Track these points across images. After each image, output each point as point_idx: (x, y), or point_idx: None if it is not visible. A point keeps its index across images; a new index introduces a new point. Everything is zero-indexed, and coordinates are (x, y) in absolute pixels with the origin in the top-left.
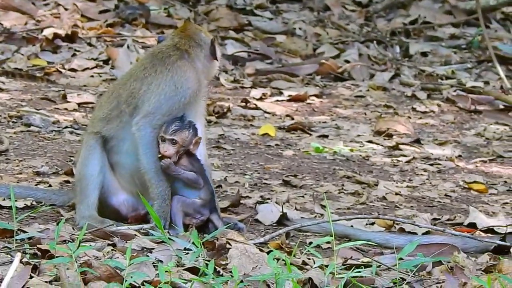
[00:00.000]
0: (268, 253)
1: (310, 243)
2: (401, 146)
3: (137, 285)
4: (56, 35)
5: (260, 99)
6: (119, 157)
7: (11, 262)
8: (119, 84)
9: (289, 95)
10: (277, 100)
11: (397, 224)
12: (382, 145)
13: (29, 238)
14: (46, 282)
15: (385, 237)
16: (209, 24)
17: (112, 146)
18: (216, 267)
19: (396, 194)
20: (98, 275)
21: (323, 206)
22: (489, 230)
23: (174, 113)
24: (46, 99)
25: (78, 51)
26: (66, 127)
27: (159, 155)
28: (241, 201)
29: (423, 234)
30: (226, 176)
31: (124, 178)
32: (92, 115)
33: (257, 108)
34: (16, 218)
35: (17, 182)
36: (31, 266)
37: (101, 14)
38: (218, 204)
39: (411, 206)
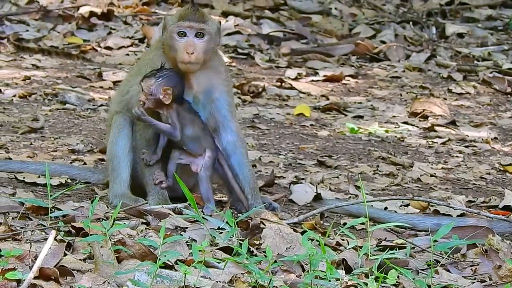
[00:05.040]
0: (302, 233)
1: (344, 224)
2: (436, 128)
3: (171, 264)
4: (92, 13)
5: (295, 79)
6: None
7: (46, 239)
8: (132, 71)
9: (324, 75)
10: (312, 80)
11: (432, 206)
12: (417, 127)
13: (64, 216)
14: (80, 259)
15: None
16: (245, 3)
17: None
18: (250, 247)
19: (431, 175)
20: (131, 254)
21: (358, 187)
22: None
23: None
24: (81, 77)
25: (114, 29)
26: (101, 105)
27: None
28: (275, 181)
29: (458, 216)
30: (261, 156)
31: None
32: (114, 94)
33: (292, 88)
34: (51, 195)
35: (52, 160)
36: (65, 243)
37: None
38: (257, 184)
39: (446, 188)
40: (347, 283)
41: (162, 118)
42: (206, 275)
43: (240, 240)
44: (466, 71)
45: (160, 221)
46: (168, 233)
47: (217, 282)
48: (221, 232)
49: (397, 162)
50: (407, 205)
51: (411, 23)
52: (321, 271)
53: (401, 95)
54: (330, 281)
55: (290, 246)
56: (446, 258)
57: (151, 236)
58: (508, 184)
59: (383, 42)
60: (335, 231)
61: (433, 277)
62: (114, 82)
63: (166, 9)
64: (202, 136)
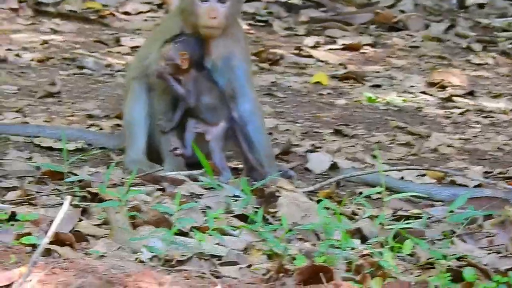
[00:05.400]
0: (317, 202)
1: (360, 193)
2: (454, 98)
3: (185, 231)
4: None
5: (314, 47)
6: None
7: (61, 204)
8: (151, 37)
9: (342, 44)
10: (331, 49)
11: (448, 176)
12: (435, 97)
13: (79, 181)
14: (95, 225)
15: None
16: None
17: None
18: (265, 215)
19: (448, 146)
20: (146, 220)
21: (374, 156)
22: None
23: None
24: (99, 42)
25: None
26: (119, 70)
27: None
28: (291, 149)
29: (474, 187)
30: (277, 124)
31: None
32: (132, 59)
33: (310, 56)
34: (67, 160)
35: (69, 125)
36: (80, 209)
37: None
38: (273, 152)
39: (463, 159)
40: (362, 252)
41: (181, 84)
42: (221, 242)
43: (256, 208)
44: (485, 41)
45: (175, 187)
46: (184, 200)
47: (231, 249)
48: (237, 200)
49: (414, 132)
50: (424, 175)
51: None
52: (336, 240)
53: (419, 65)
54: (345, 250)
55: (305, 215)
56: (462, 229)
57: (166, 202)
58: None
59: (403, 12)
60: (350, 200)
61: (448, 247)
62: (132, 48)
63: None
64: (219, 106)
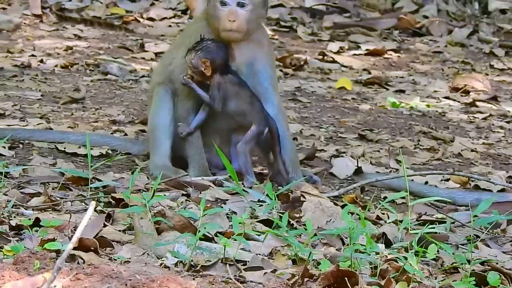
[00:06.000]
0: (342, 207)
1: (385, 198)
2: (477, 103)
3: (210, 236)
4: None
5: (338, 52)
6: None
7: (85, 210)
8: (175, 42)
9: (366, 49)
10: (355, 54)
11: (472, 181)
12: (458, 102)
13: (104, 187)
14: (119, 231)
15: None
16: None
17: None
18: (290, 220)
19: (472, 150)
20: (171, 225)
21: (399, 161)
22: None
23: None
24: (123, 48)
25: (157, 0)
26: (143, 76)
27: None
28: (316, 154)
29: (498, 191)
30: (302, 129)
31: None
32: (156, 65)
33: (334, 61)
34: (91, 166)
35: (93, 130)
36: (105, 214)
37: None
38: (297, 157)
39: (487, 163)
40: (386, 257)
41: (207, 89)
42: (245, 247)
43: (280, 213)
44: (508, 46)
45: (200, 193)
46: (208, 205)
47: (256, 254)
48: (261, 205)
49: (438, 137)
50: (448, 179)
51: None
52: (361, 244)
53: (442, 70)
54: (369, 254)
55: (330, 220)
56: (486, 233)
57: (191, 208)
58: None
59: (426, 17)
60: (375, 205)
61: (472, 252)
62: (156, 54)
63: None
64: (249, 110)
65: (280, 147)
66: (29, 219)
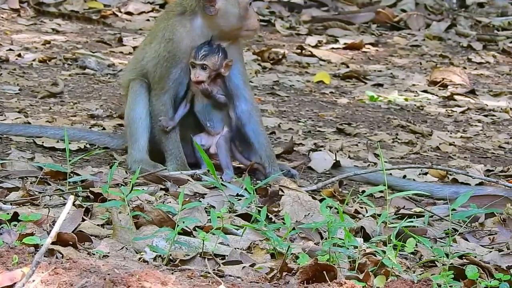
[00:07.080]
0: (320, 201)
1: (363, 191)
2: (455, 97)
3: (189, 230)
4: None
5: (316, 46)
6: None
7: (64, 204)
8: (147, 38)
9: (344, 43)
10: (333, 48)
11: (450, 174)
12: (436, 95)
13: (82, 181)
14: (98, 225)
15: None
16: None
17: None
18: (268, 214)
19: (450, 144)
20: (150, 219)
21: (377, 155)
22: None
23: (177, 73)
24: (101, 42)
25: None
26: (121, 70)
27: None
28: (294, 148)
29: (476, 185)
30: (280, 123)
31: None
32: (129, 61)
33: (312, 55)
34: (70, 160)
35: (71, 125)
36: (83, 209)
37: None
38: (273, 151)
39: (465, 157)
40: (365, 250)
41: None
42: (224, 241)
43: (259, 207)
44: (486, 40)
45: (178, 187)
46: (187, 199)
47: (235, 248)
48: (240, 199)
49: (416, 131)
50: (426, 173)
51: None
52: (339, 238)
53: (421, 63)
54: (348, 248)
55: (308, 214)
56: (464, 227)
57: (170, 202)
58: None
59: (404, 11)
60: (353, 198)
61: (451, 245)
62: (134, 48)
63: None
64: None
65: (249, 142)
66: (7, 214)
